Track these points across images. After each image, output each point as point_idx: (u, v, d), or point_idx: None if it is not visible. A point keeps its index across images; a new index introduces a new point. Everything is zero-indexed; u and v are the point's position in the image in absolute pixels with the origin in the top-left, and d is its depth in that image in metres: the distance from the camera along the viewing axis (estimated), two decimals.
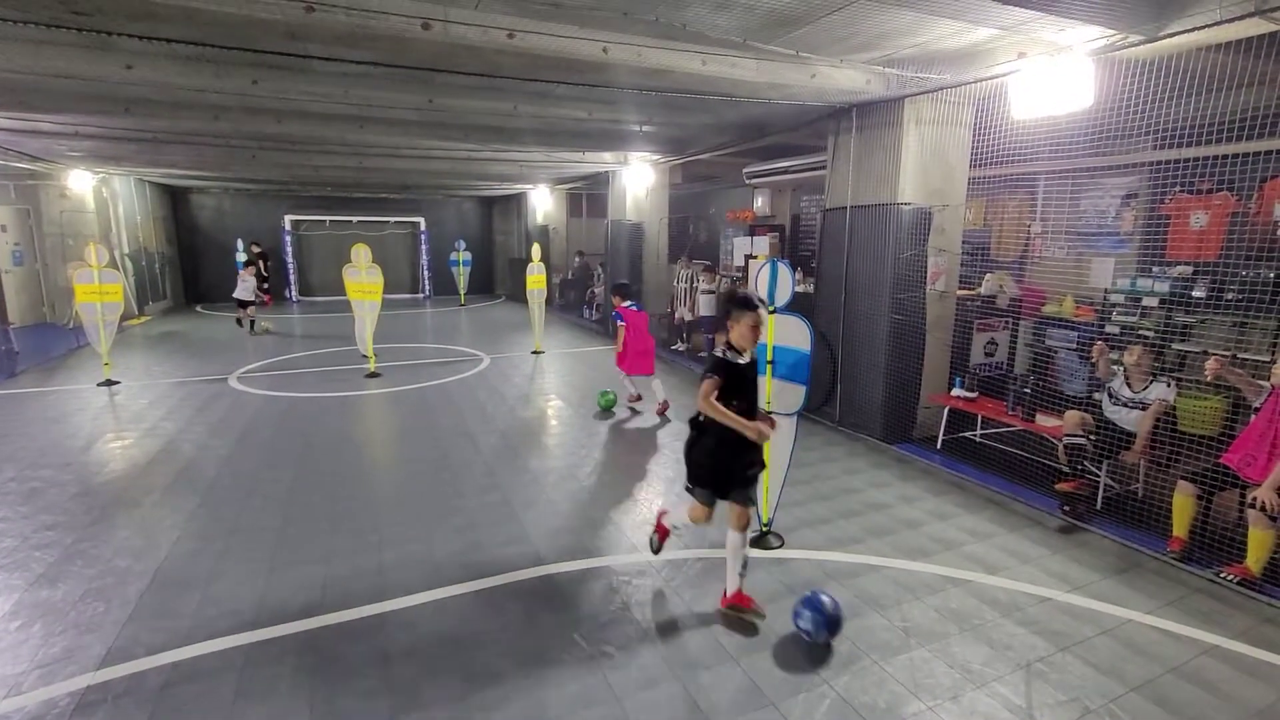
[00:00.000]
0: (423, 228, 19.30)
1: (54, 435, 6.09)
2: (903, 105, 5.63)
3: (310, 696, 2.71)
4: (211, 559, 3.82)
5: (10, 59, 4.75)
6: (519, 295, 16.21)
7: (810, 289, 7.19)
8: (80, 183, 12.24)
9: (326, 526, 4.24)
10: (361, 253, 8.45)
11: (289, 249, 17.94)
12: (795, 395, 3.73)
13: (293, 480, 5.03)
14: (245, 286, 12.14)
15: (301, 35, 4.17)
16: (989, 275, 6.68)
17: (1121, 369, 4.56)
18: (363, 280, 8.49)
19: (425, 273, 19.45)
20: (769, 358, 3.82)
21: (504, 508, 4.54)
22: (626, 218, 11.39)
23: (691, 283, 10.09)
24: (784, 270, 3.75)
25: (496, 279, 20.37)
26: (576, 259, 15.44)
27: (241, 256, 15.33)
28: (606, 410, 6.98)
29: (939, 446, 5.79)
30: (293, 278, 17.98)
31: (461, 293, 17.78)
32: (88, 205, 12.59)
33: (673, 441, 5.99)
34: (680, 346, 10.42)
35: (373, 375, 8.53)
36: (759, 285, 3.81)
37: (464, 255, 17.68)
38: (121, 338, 8.68)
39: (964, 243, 6.31)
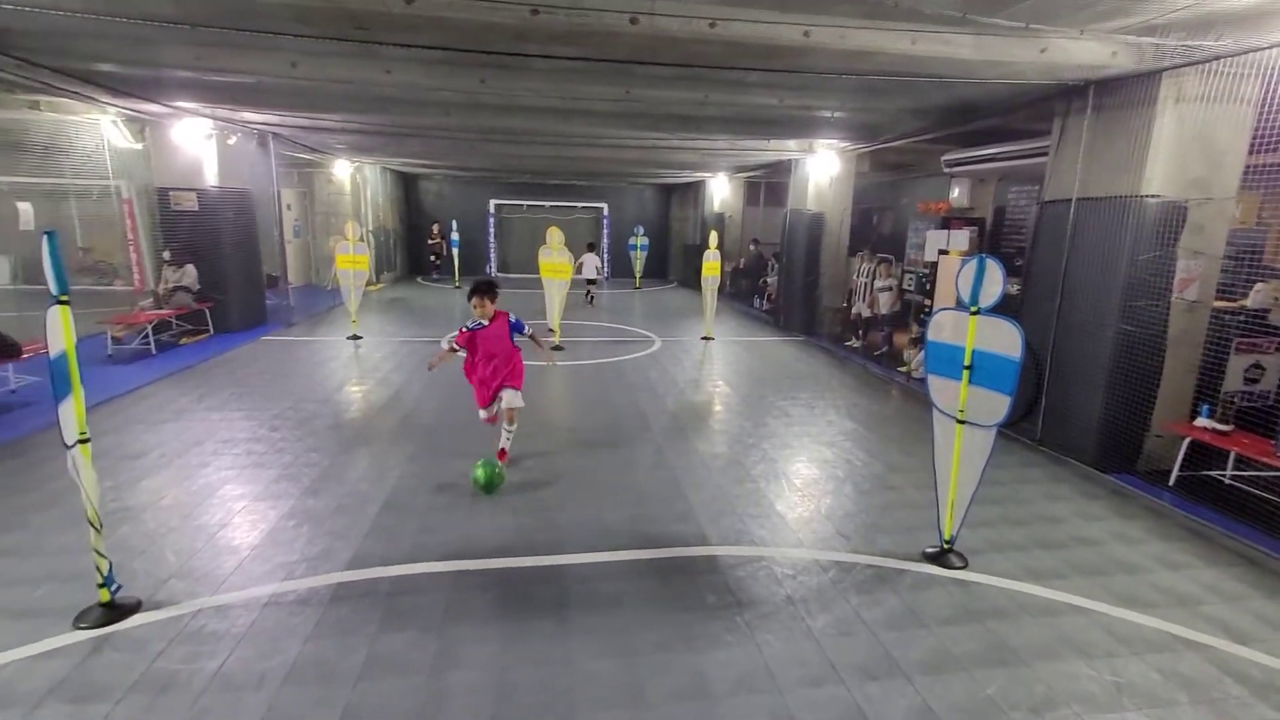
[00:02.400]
0: (605, 213, 20.37)
1: (318, 376, 7.51)
2: (1159, 80, 4.80)
3: (503, 625, 3.08)
4: (427, 494, 4.47)
5: (304, 69, 5.85)
6: (691, 281, 16.48)
7: (1015, 290, 6.45)
8: (342, 170, 14.75)
9: (515, 482, 4.74)
10: (555, 235, 9.17)
11: (492, 230, 20.00)
12: (997, 405, 3.41)
13: (491, 437, 5.67)
14: (590, 265, 14.25)
15: (526, 36, 4.62)
16: (1260, 285, 5.48)
17: None
18: (554, 260, 9.21)
19: (604, 255, 20.57)
20: (966, 362, 3.53)
21: (673, 486, 4.73)
22: (807, 207, 11.03)
23: (871, 278, 9.54)
24: (994, 268, 3.42)
25: (670, 264, 20.90)
26: (752, 247, 15.30)
27: (456, 235, 17.39)
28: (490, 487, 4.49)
29: (1171, 483, 4.93)
30: (493, 255, 20.05)
31: (637, 276, 18.50)
32: (346, 189, 15.17)
33: (844, 441, 5.77)
34: (854, 343, 9.92)
35: (557, 348, 9.26)
36: (961, 283, 3.53)
37: (641, 240, 18.37)
38: (363, 301, 10.40)
39: (1228, 244, 5.24)
